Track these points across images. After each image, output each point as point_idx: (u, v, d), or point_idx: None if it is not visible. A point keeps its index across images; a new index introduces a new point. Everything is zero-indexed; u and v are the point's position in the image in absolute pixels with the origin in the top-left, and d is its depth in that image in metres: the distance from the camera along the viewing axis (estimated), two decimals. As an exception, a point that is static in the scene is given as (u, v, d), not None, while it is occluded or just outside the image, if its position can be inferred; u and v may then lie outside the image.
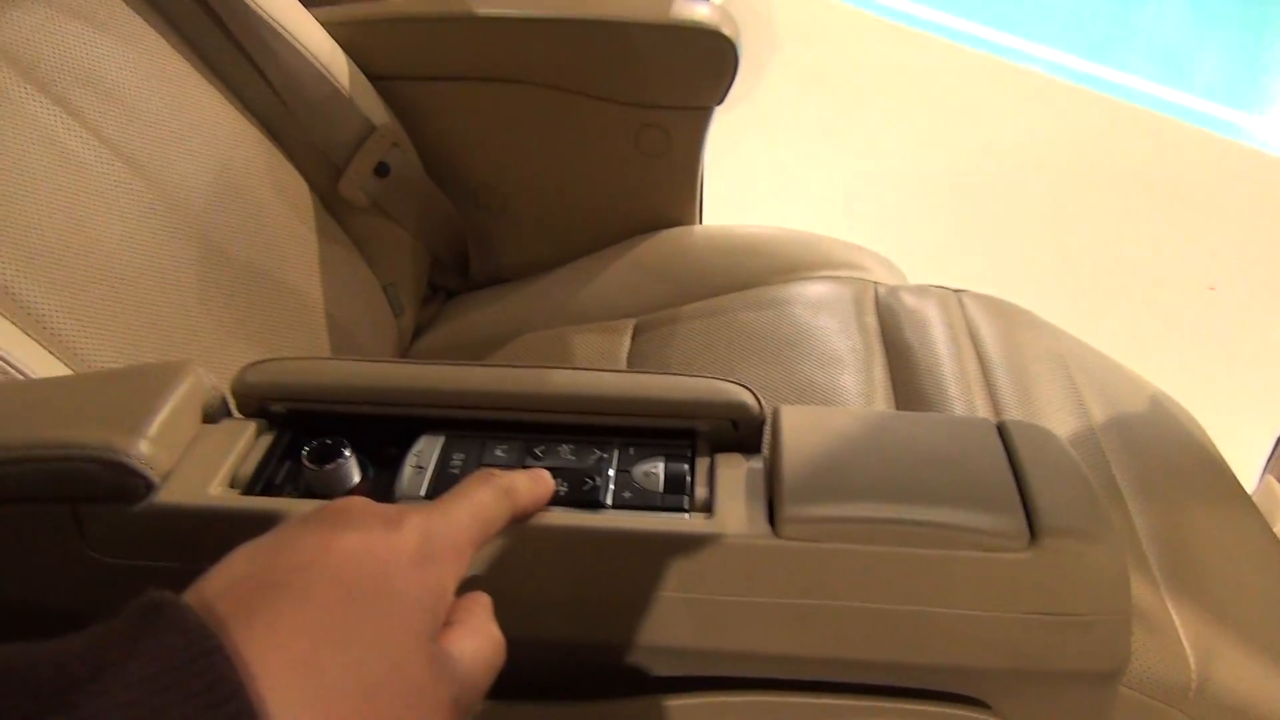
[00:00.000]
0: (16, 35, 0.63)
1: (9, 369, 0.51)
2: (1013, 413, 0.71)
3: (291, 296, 0.78)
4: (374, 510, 0.30)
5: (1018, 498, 0.39)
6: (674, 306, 0.89)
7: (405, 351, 0.95)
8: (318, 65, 0.81)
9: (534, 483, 0.39)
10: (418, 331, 0.97)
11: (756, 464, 0.44)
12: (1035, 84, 2.63)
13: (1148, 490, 0.67)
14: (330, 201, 0.86)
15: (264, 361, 0.47)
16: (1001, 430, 0.43)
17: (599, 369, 0.46)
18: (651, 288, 0.92)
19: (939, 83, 2.63)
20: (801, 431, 0.43)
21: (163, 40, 0.73)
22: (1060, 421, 0.72)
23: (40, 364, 0.54)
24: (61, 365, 0.56)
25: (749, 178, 2.18)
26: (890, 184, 2.15)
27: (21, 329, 0.55)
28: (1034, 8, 3.15)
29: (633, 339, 0.86)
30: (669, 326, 0.85)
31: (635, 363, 0.83)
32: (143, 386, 0.44)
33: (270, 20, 0.77)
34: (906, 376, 0.77)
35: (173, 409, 0.43)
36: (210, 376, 0.46)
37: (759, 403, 0.45)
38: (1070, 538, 0.38)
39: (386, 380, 0.46)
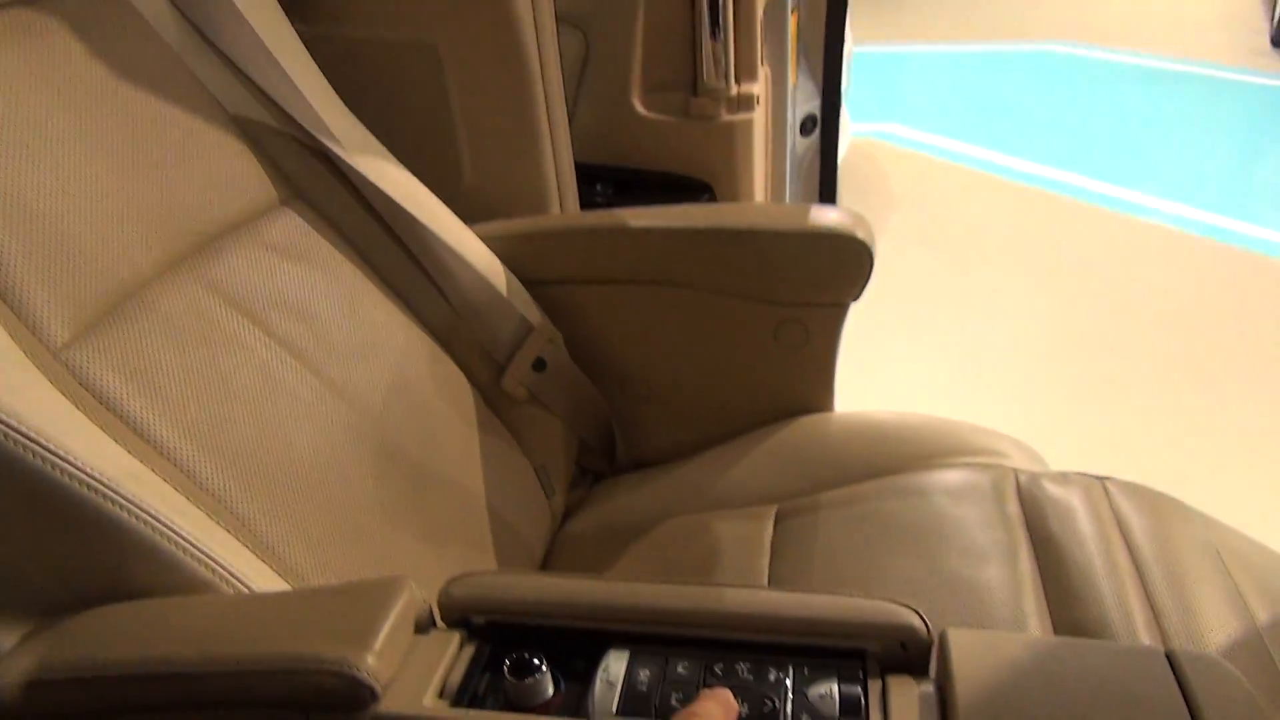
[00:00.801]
0: (224, 271, 0.73)
1: (237, 583, 0.57)
2: (1170, 616, 0.70)
3: (455, 491, 0.84)
4: None
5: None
6: (814, 493, 0.91)
7: (557, 532, 1.00)
8: (484, 275, 0.90)
9: (725, 712, 0.42)
10: (568, 513, 1.02)
11: (928, 688, 0.46)
12: (1161, 238, 2.61)
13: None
14: (491, 396, 0.94)
15: (467, 576, 0.53)
16: (1172, 661, 0.44)
17: (773, 590, 0.50)
18: (791, 474, 0.95)
19: (1060, 241, 2.64)
20: (971, 658, 0.45)
21: (349, 263, 0.84)
22: (1221, 623, 0.70)
23: (256, 573, 0.60)
24: (271, 572, 0.63)
25: (871, 341, 2.21)
26: (1016, 348, 2.15)
27: (242, 542, 0.62)
28: (1152, 162, 3.16)
29: (775, 526, 0.89)
30: (810, 514, 0.88)
31: (779, 550, 0.86)
32: (367, 603, 0.50)
33: (442, 238, 0.87)
34: (1055, 571, 0.77)
35: (393, 624, 0.48)
36: (420, 591, 0.52)
37: (927, 626, 0.47)
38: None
39: (578, 596, 0.50)
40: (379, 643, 0.47)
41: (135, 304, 0.66)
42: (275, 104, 0.83)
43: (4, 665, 0.51)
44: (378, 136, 0.92)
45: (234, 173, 0.78)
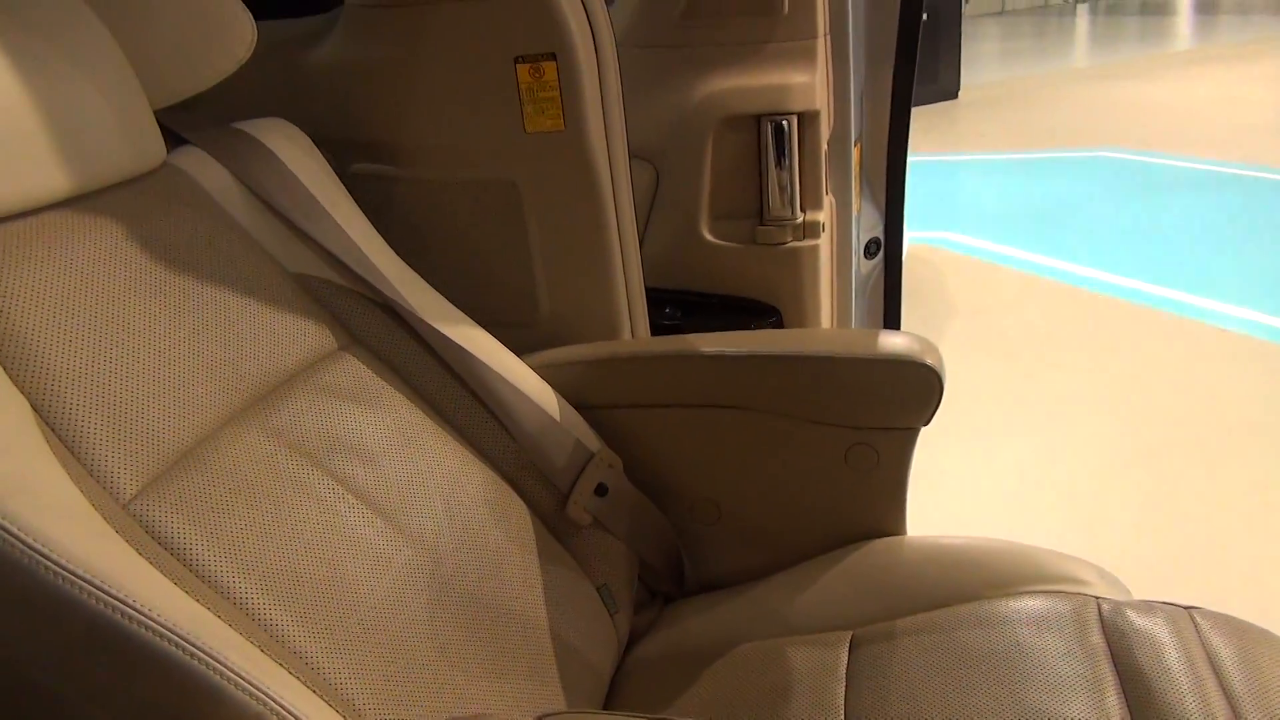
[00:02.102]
0: (285, 418, 0.77)
1: (291, 718, 0.59)
2: (1272, 762, 0.68)
3: (516, 621, 0.85)
4: None
5: None
6: (888, 620, 0.90)
7: (625, 654, 1.00)
8: (541, 406, 0.93)
9: None
10: (637, 636, 1.02)
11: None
12: (1231, 344, 2.56)
13: None
14: (554, 524, 0.96)
15: (554, 714, 0.53)
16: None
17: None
18: (865, 600, 0.94)
19: (1125, 347, 2.60)
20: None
21: (409, 402, 0.88)
22: (1327, 770, 0.68)
23: (313, 710, 0.61)
24: (330, 710, 0.64)
25: (935, 453, 2.18)
26: (1087, 460, 2.11)
27: (304, 682, 0.64)
28: (1215, 267, 3.13)
29: (850, 653, 0.88)
30: (886, 642, 0.87)
31: (855, 680, 0.84)
32: None
33: (498, 370, 0.91)
34: (1144, 708, 0.75)
35: None
36: (508, 730, 0.53)
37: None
38: None
39: (664, 741, 0.51)
40: None
41: (200, 455, 0.70)
42: (333, 258, 0.89)
43: None
44: (458, 269, 0.97)
45: (293, 324, 0.83)
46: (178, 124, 0.92)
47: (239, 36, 0.89)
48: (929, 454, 2.17)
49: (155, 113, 0.84)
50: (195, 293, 0.76)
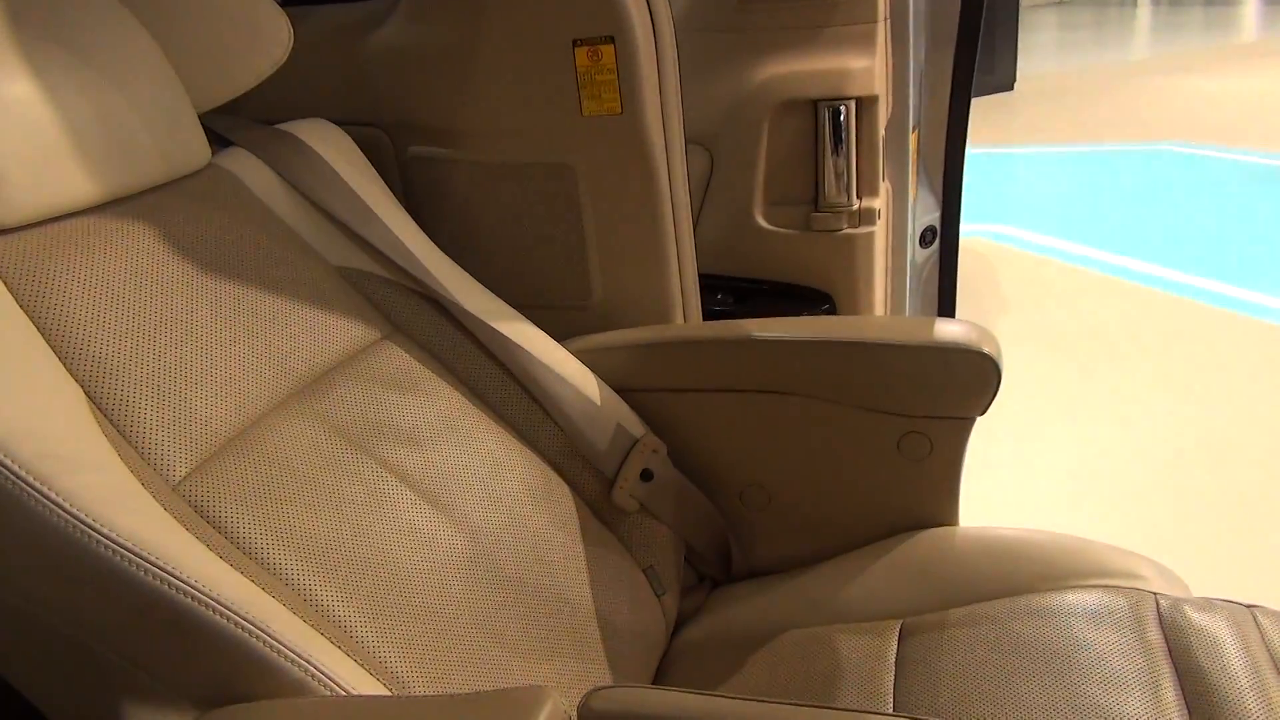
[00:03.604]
0: (330, 404, 0.79)
1: (334, 686, 0.60)
2: (1338, 764, 0.66)
3: (563, 604, 0.86)
4: None
5: None
6: (939, 610, 0.90)
7: (672, 637, 1.00)
8: (584, 392, 0.94)
9: None
10: (684, 619, 1.02)
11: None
12: (1292, 345, 2.50)
13: None
14: (600, 509, 0.96)
15: (607, 689, 0.54)
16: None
17: (913, 717, 0.49)
18: (915, 589, 0.93)
19: (1183, 344, 2.55)
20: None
21: (451, 389, 0.90)
22: (1395, 774, 0.66)
23: (355, 679, 0.63)
24: (371, 678, 0.66)
25: (990, 448, 2.16)
26: (1144, 458, 2.07)
27: (348, 653, 0.65)
28: (1278, 263, 3.05)
29: (899, 642, 0.87)
30: (937, 632, 0.86)
31: (904, 668, 0.84)
32: (512, 712, 0.51)
33: (540, 358, 0.92)
34: (1203, 706, 0.73)
35: None
36: (562, 701, 0.53)
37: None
38: None
39: (717, 714, 0.51)
40: None
41: (247, 440, 0.72)
42: (376, 252, 0.92)
43: None
44: (514, 251, 0.98)
45: (337, 315, 0.86)
46: (222, 126, 0.95)
47: (275, 38, 0.91)
48: (982, 447, 2.14)
49: (200, 116, 0.87)
50: (241, 287, 0.79)
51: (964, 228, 3.71)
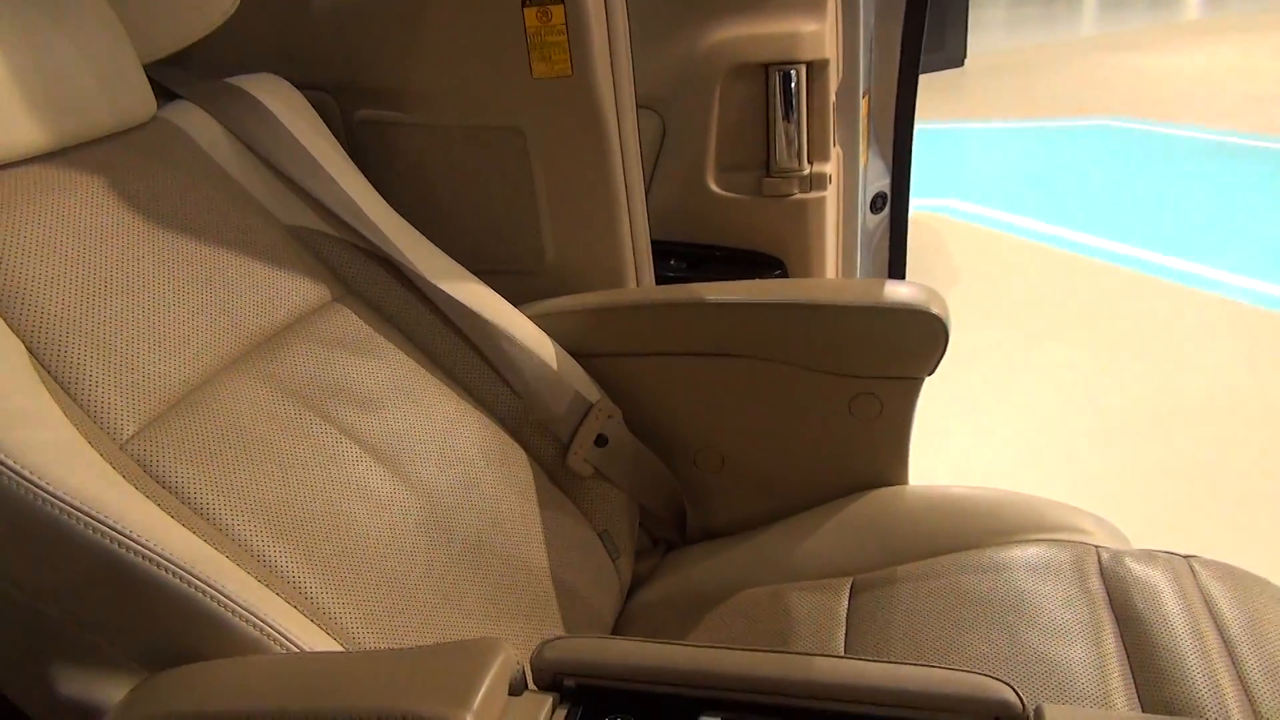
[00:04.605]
0: (281, 365, 0.78)
1: (287, 643, 0.60)
2: (1265, 700, 0.69)
3: (519, 566, 0.86)
4: None
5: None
6: (889, 567, 0.91)
7: (627, 601, 1.01)
8: (540, 356, 0.94)
9: None
10: (639, 582, 1.03)
11: (1024, 764, 0.46)
12: (1228, 312, 2.57)
13: None
14: (555, 473, 0.96)
15: (560, 639, 0.54)
16: (1276, 743, 0.44)
17: (865, 659, 0.50)
18: (866, 547, 0.95)
19: (1125, 314, 2.61)
20: (1069, 735, 0.45)
21: (403, 352, 0.89)
22: (1321, 709, 0.68)
23: (308, 635, 0.62)
24: (325, 635, 0.65)
25: (939, 416, 2.20)
26: (1087, 423, 2.12)
27: (303, 612, 0.65)
28: (1216, 236, 3.12)
29: (850, 599, 0.89)
30: (886, 588, 0.88)
31: (855, 623, 0.85)
32: (464, 662, 0.51)
33: (494, 322, 0.92)
34: (1141, 652, 0.76)
35: (490, 683, 0.50)
36: (515, 652, 0.53)
37: (1021, 700, 0.47)
38: None
39: (671, 662, 0.52)
40: (477, 702, 0.48)
41: (197, 399, 0.71)
42: (326, 211, 0.90)
43: None
44: (465, 216, 0.97)
45: (288, 275, 0.84)
46: (169, 79, 0.92)
47: None
48: (933, 413, 2.18)
49: (146, 68, 0.84)
50: (190, 244, 0.77)
51: (915, 202, 3.75)
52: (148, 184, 0.78)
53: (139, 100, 0.81)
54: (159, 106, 0.86)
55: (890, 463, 1.00)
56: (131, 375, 0.68)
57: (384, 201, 0.95)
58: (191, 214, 0.79)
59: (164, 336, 0.71)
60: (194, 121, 0.87)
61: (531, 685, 0.54)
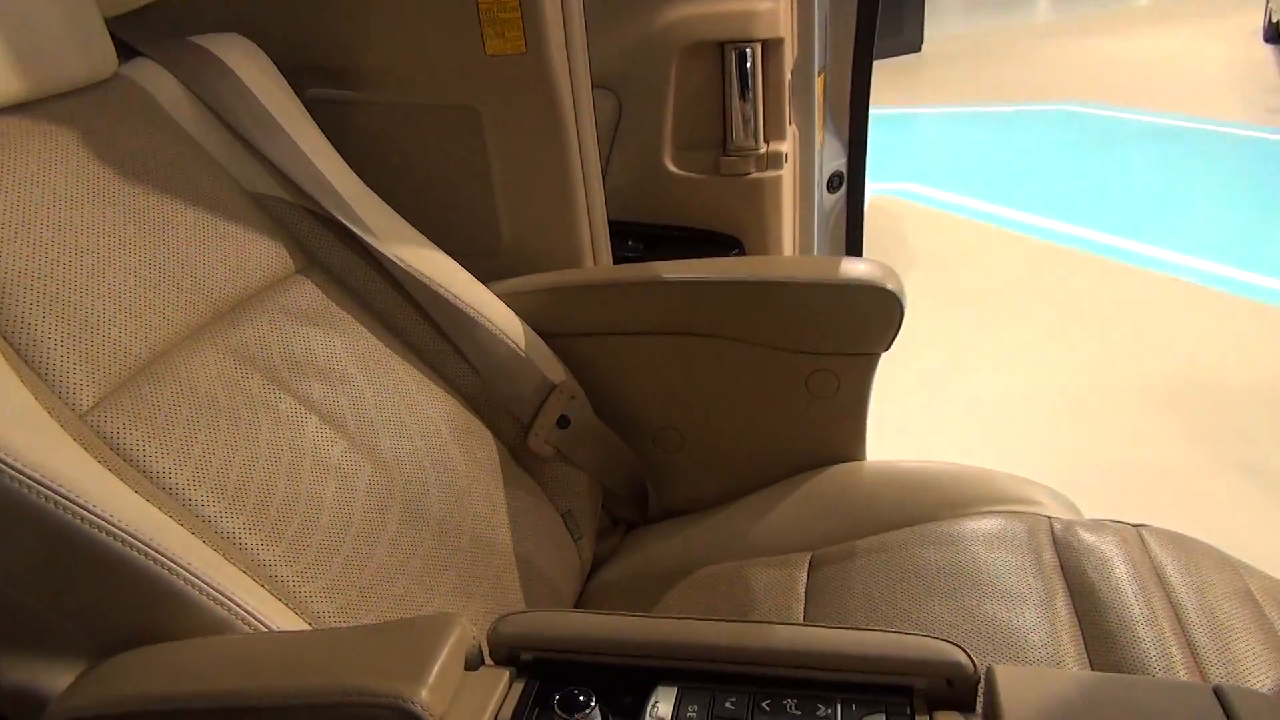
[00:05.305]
0: (244, 337, 0.76)
1: (254, 621, 0.59)
2: (1211, 662, 0.70)
3: (481, 544, 0.86)
4: None
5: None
6: (847, 541, 0.92)
7: (588, 580, 1.01)
8: (505, 336, 0.93)
9: None
10: (600, 562, 1.03)
11: (975, 724, 0.46)
12: (1179, 291, 2.62)
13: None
14: (518, 453, 0.96)
15: (516, 614, 0.54)
16: (1220, 696, 0.45)
17: (820, 626, 0.51)
18: (825, 522, 0.96)
19: (1080, 295, 2.65)
20: (1019, 694, 0.45)
21: (370, 327, 0.87)
22: (1263, 670, 0.70)
23: (275, 614, 0.62)
24: (296, 617, 0.64)
25: (897, 397, 2.22)
26: (1043, 401, 2.15)
27: (265, 588, 0.64)
28: (1169, 218, 3.18)
29: (809, 573, 0.89)
30: (845, 562, 0.88)
31: (814, 597, 0.86)
32: (419, 638, 0.51)
33: (463, 299, 0.90)
34: (1092, 618, 0.77)
35: (445, 659, 0.49)
36: (471, 627, 0.53)
37: (973, 662, 0.48)
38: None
39: (627, 634, 0.51)
40: (433, 677, 0.48)
41: (157, 369, 0.69)
42: (291, 180, 0.87)
43: (54, 710, 0.53)
44: (419, 196, 0.96)
45: (251, 244, 0.82)
46: (131, 35, 0.89)
47: None
48: (891, 393, 2.20)
49: (107, 23, 0.81)
50: (149, 205, 0.75)
51: (873, 186, 3.77)
52: (107, 143, 0.75)
53: (99, 55, 0.77)
54: (120, 64, 0.83)
55: (848, 439, 1.01)
56: (91, 342, 0.65)
57: (351, 172, 0.92)
58: (153, 176, 0.77)
59: (124, 302, 0.69)
60: (156, 80, 0.84)
61: (488, 660, 0.54)
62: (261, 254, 0.82)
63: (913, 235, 3.22)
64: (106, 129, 0.75)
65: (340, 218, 0.88)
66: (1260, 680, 0.68)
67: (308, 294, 0.84)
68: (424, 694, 0.47)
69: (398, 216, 0.93)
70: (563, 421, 0.96)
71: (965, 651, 0.48)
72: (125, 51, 0.86)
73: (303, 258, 0.87)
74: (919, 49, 6.96)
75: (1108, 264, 2.85)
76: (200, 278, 0.76)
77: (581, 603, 0.98)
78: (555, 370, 0.97)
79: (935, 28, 7.69)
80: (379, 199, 0.93)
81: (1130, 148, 4.08)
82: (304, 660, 0.52)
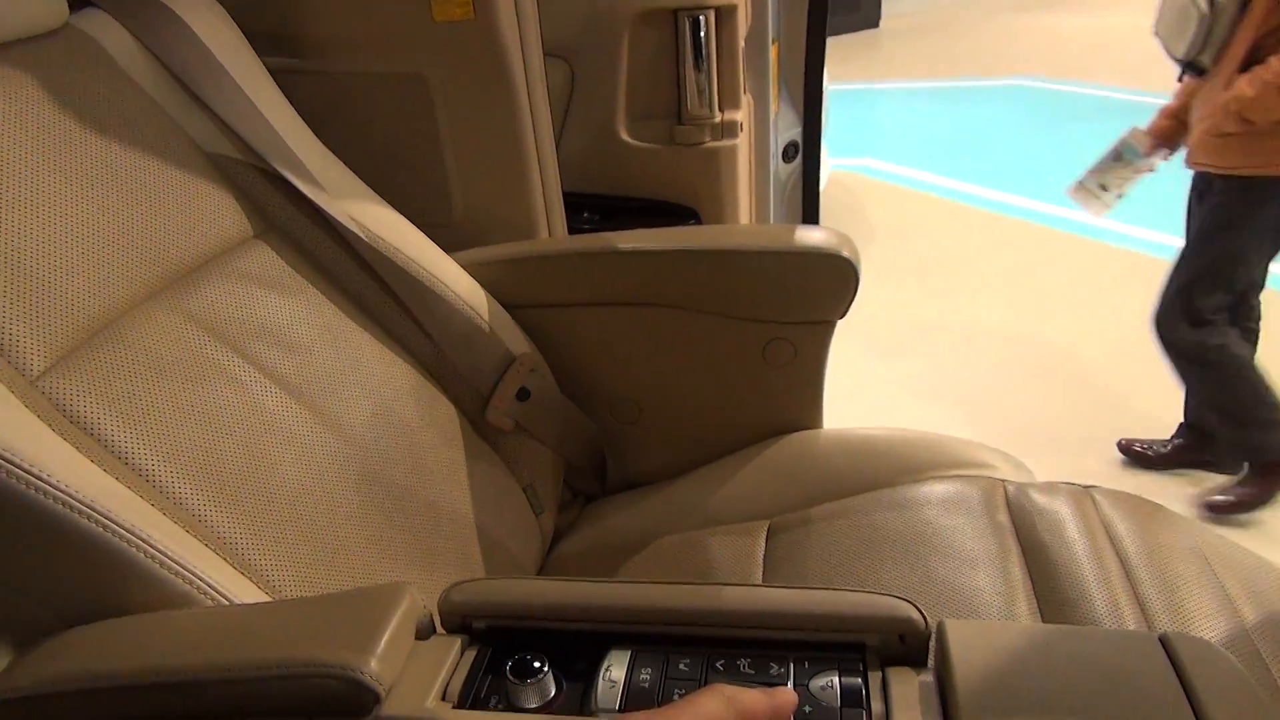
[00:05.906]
0: (200, 301, 0.74)
1: (218, 598, 0.57)
2: (1161, 617, 0.71)
3: (443, 515, 0.84)
4: None
5: (1192, 716, 0.41)
6: (805, 508, 0.92)
7: (548, 550, 1.00)
8: (464, 306, 0.91)
9: (769, 698, 0.42)
10: (559, 535, 1.02)
11: (927, 678, 0.46)
12: (1131, 262, 2.66)
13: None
14: (479, 425, 0.94)
15: (466, 582, 0.53)
16: (1165, 644, 0.45)
17: (772, 587, 0.50)
18: (782, 490, 0.96)
19: (1033, 266, 2.68)
20: (969, 647, 0.46)
21: (329, 294, 0.85)
22: (1211, 623, 0.71)
23: (239, 589, 0.60)
24: (254, 588, 0.63)
25: (854, 369, 2.23)
26: (992, 364, 2.18)
27: (223, 558, 0.62)
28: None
29: (767, 541, 0.89)
30: (802, 529, 0.89)
31: (772, 564, 0.86)
32: (368, 609, 0.50)
33: (423, 269, 0.89)
34: (1045, 577, 0.78)
35: (395, 628, 0.49)
36: (420, 597, 0.52)
37: (924, 618, 0.48)
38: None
39: (578, 599, 0.51)
40: (381, 647, 0.47)
41: (112, 334, 0.66)
42: (246, 141, 0.84)
43: None
44: (369, 167, 0.94)
45: (208, 207, 0.79)
46: None
47: None
48: (845, 368, 2.22)
49: None
50: (102, 160, 0.72)
51: (831, 161, 3.78)
52: (57, 96, 0.71)
53: (47, 3, 0.74)
54: (70, 13, 0.79)
55: (805, 407, 1.01)
56: (42, 305, 0.62)
57: (311, 134, 0.89)
58: (106, 130, 0.73)
59: (78, 263, 0.66)
60: (107, 31, 0.80)
61: (440, 629, 0.53)
62: (219, 217, 0.80)
63: (870, 210, 3.23)
64: (55, 80, 0.72)
65: (295, 181, 0.85)
66: (1207, 633, 0.69)
67: (265, 259, 0.82)
68: (373, 663, 0.46)
69: (360, 181, 0.91)
70: (522, 394, 0.95)
71: (917, 607, 0.48)
72: (76, 2, 0.82)
73: (260, 221, 0.85)
74: (876, 25, 6.98)
75: (1060, 235, 2.89)
76: (156, 239, 0.73)
77: (542, 575, 0.98)
78: (518, 342, 0.96)
79: (892, 4, 7.71)
80: (340, 163, 0.90)
81: (1082, 122, 4.12)
82: (254, 632, 0.51)
